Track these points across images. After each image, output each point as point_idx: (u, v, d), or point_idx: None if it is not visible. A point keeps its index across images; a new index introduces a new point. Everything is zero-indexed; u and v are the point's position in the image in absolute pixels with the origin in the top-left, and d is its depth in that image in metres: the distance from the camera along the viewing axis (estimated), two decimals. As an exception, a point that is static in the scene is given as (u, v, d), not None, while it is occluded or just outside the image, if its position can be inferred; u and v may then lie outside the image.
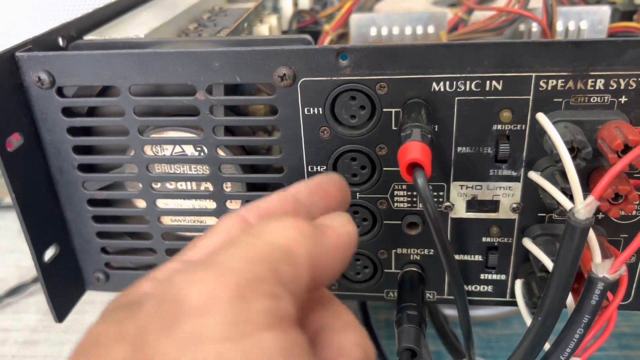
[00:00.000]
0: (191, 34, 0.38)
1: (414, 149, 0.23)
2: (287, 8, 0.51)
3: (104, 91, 0.31)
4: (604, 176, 0.23)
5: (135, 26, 0.36)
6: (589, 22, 0.47)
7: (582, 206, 0.23)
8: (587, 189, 0.28)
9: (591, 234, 0.25)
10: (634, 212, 0.29)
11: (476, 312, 0.52)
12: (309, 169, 0.30)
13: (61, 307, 0.34)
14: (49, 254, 0.33)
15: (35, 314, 0.57)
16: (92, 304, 0.57)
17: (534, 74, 0.26)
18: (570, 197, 0.25)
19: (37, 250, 0.31)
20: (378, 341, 0.46)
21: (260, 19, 0.44)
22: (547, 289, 0.25)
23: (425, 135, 0.24)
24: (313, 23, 0.57)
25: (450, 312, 0.52)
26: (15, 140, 0.30)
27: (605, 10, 0.47)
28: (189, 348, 0.15)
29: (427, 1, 0.57)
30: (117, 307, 0.18)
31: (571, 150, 0.25)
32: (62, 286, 0.34)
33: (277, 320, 0.16)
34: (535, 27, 0.47)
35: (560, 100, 0.27)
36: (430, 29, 0.48)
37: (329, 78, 0.28)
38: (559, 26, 0.47)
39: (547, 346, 0.28)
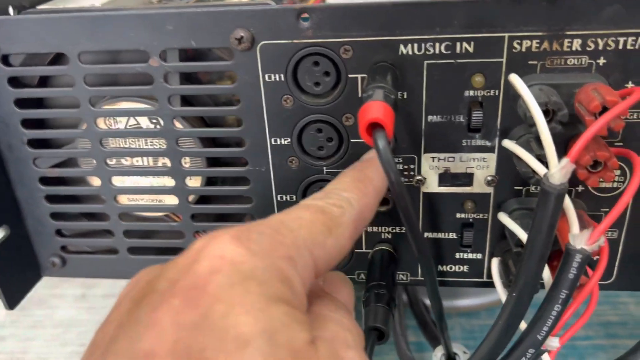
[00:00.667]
0: (156, 5, 0.36)
1: (375, 108, 0.21)
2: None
3: (55, 60, 0.29)
4: (579, 137, 0.22)
5: (93, -2, 0.34)
6: None
7: (557, 170, 0.22)
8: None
9: (568, 203, 0.23)
10: (614, 182, 0.27)
11: (459, 303, 0.51)
12: (272, 142, 0.28)
13: (12, 294, 0.32)
14: (-1, 235, 0.31)
15: (1, 310, 0.55)
16: (62, 299, 0.56)
17: (507, 35, 0.25)
18: (546, 164, 0.23)
19: (-16, 231, 0.29)
20: None
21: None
22: (521, 262, 0.24)
23: (389, 96, 0.22)
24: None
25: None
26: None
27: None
28: None
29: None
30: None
31: (546, 113, 0.23)
32: (14, 271, 0.32)
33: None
34: None
35: (536, 62, 0.25)
36: None
37: (290, 41, 0.26)
38: None
39: (523, 325, 0.26)
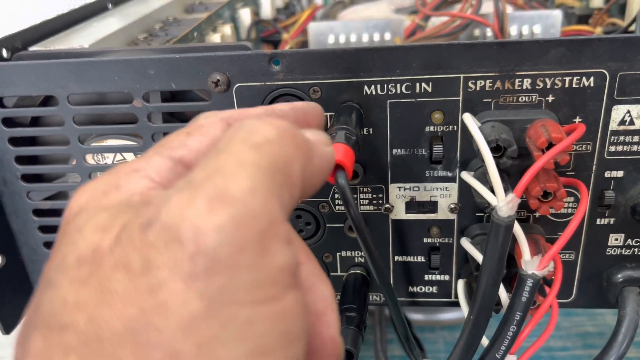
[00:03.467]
0: (141, 44, 0.38)
1: (336, 151, 0.23)
2: (244, 18, 0.52)
3: (47, 101, 0.31)
4: (525, 173, 0.24)
5: (82, 37, 0.36)
6: (542, 26, 0.48)
7: (504, 203, 0.23)
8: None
9: (519, 232, 0.25)
10: (567, 208, 0.29)
11: (442, 316, 0.52)
12: (250, 174, 0.30)
13: (9, 319, 0.34)
14: (-5, 265, 0.33)
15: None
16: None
17: (462, 75, 0.27)
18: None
19: (-19, 261, 0.31)
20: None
21: (213, 27, 0.44)
22: (477, 286, 0.25)
23: (350, 137, 0.24)
24: (276, 33, 0.57)
25: (414, 316, 0.52)
26: (-46, 152, 0.30)
27: (557, 14, 0.48)
28: (220, 308, 0.13)
29: (389, 9, 0.58)
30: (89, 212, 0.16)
31: (497, 149, 0.25)
32: (10, 298, 0.34)
33: (294, 279, 0.15)
34: (489, 31, 0.48)
35: (490, 100, 0.27)
36: (387, 36, 0.49)
37: (263, 83, 0.28)
38: (514, 30, 0.48)
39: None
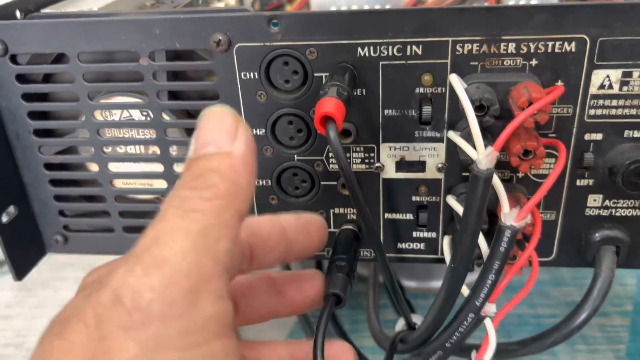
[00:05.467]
0: (148, 9, 0.40)
1: (328, 104, 0.25)
2: (249, -11, 0.53)
3: (58, 60, 0.33)
4: (505, 129, 0.25)
5: (92, 2, 0.38)
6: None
7: (483, 156, 0.25)
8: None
9: (498, 186, 0.27)
10: (544, 170, 0.31)
11: (434, 284, 0.54)
12: (249, 132, 0.32)
13: (20, 267, 0.36)
14: (8, 215, 0.34)
15: (9, 291, 0.59)
16: (65, 281, 0.60)
17: (450, 39, 0.28)
18: (485, 152, 0.27)
19: (-5, 210, 0.33)
20: (347, 336, 0.48)
21: (217, -3, 0.46)
22: (458, 236, 0.27)
23: (342, 93, 0.26)
24: (280, 6, 0.59)
25: (408, 283, 0.54)
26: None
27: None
28: (154, 352, 0.17)
29: (391, -16, 0.59)
30: (85, 286, 0.21)
31: (481, 107, 0.27)
32: (22, 247, 0.36)
33: (224, 327, 0.18)
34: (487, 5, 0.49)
35: (476, 63, 0.29)
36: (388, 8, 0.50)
37: (262, 44, 0.29)
38: (511, 2, 0.49)
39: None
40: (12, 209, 0.35)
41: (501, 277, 0.28)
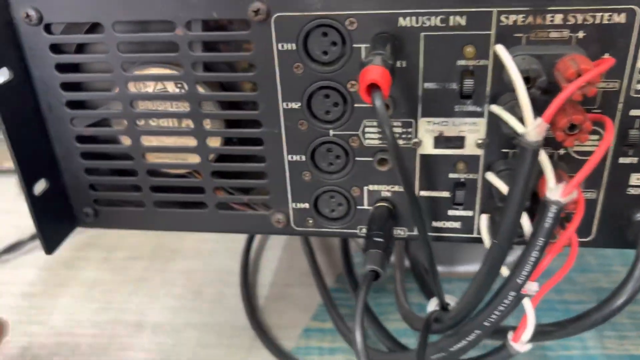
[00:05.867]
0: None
1: (374, 71, 0.24)
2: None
3: (92, 29, 0.32)
4: (553, 100, 0.25)
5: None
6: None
7: (532, 128, 0.24)
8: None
9: (544, 160, 0.26)
10: (588, 147, 0.30)
11: (459, 268, 0.54)
12: (284, 105, 0.31)
13: (51, 240, 0.35)
14: (39, 187, 0.34)
15: (32, 269, 0.59)
16: (87, 261, 0.60)
17: (495, 9, 0.28)
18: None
19: (27, 182, 0.33)
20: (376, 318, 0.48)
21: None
22: (503, 212, 0.27)
23: (386, 61, 0.25)
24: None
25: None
26: (4, 74, 0.31)
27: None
28: None
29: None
30: None
31: (527, 80, 0.26)
32: (52, 220, 0.36)
33: None
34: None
35: (521, 35, 0.28)
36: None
37: (302, 13, 0.29)
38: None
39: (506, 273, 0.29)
40: (43, 181, 0.35)
41: (543, 256, 0.28)
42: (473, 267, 0.53)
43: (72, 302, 0.54)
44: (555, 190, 0.26)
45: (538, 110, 0.28)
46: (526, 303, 0.29)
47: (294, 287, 0.53)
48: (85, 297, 0.54)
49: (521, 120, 0.27)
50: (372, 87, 0.24)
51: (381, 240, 0.30)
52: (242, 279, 0.53)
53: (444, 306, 0.34)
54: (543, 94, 0.27)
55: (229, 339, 0.48)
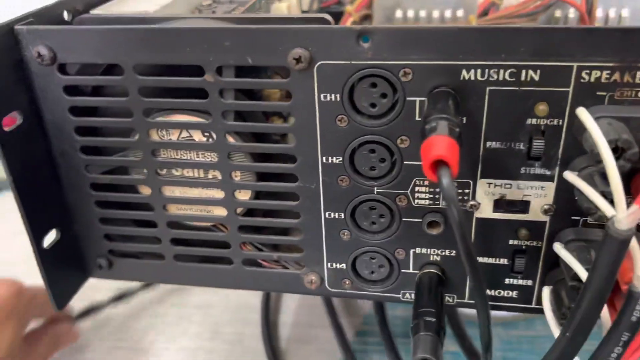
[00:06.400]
0: (205, 10, 0.36)
1: (440, 144, 0.21)
2: (308, -14, 0.49)
3: (110, 69, 0.29)
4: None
5: (145, 1, 0.34)
6: (632, 10, 0.44)
7: (625, 215, 0.21)
8: (627, 192, 0.25)
9: (634, 243, 0.23)
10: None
11: (498, 313, 0.50)
12: (324, 160, 0.28)
13: (61, 294, 0.32)
14: (49, 239, 0.31)
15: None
16: (100, 292, 0.57)
17: (575, 64, 0.24)
18: (611, 202, 0.22)
19: (36, 235, 0.30)
20: (392, 340, 0.44)
21: (278, -4, 0.42)
22: (578, 302, 0.23)
23: (453, 129, 0.22)
24: (336, 4, 0.54)
25: (467, 310, 0.50)
26: (13, 121, 0.28)
27: (649, -3, 0.44)
28: None
29: (457, -16, 0.54)
30: None
31: (615, 150, 0.22)
32: (63, 272, 0.33)
33: None
34: (572, 13, 0.44)
35: (604, 94, 0.24)
36: (459, 13, 0.45)
37: (349, 62, 0.25)
38: (599, 13, 0.44)
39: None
40: (53, 232, 0.31)
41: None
42: (511, 312, 0.49)
43: (82, 337, 0.51)
44: (644, 280, 0.22)
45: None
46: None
47: (318, 328, 0.50)
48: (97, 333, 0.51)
49: (604, 194, 0.23)
50: (439, 163, 0.20)
51: (433, 319, 0.26)
52: (263, 320, 0.50)
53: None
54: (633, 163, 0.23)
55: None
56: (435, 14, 0.46)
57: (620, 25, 0.38)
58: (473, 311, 0.48)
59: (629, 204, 0.21)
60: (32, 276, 0.59)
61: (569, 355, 0.24)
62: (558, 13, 0.45)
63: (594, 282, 0.22)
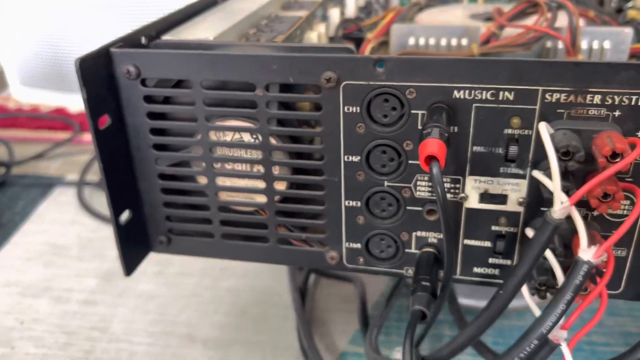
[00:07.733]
0: (251, 38, 0.44)
1: (432, 145, 0.28)
2: (334, 17, 0.57)
3: (178, 83, 0.37)
4: (587, 182, 0.28)
5: (203, 29, 0.42)
6: (613, 42, 0.51)
7: (559, 207, 0.28)
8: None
9: (579, 222, 0.30)
10: (623, 210, 0.33)
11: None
12: (345, 158, 0.36)
13: (130, 263, 0.40)
14: (124, 217, 0.39)
15: (93, 279, 0.64)
16: (144, 275, 0.65)
17: (540, 88, 0.31)
18: (567, 193, 0.29)
19: (116, 213, 0.38)
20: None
21: (310, 26, 0.50)
22: (512, 272, 0.30)
23: (443, 134, 0.29)
24: (357, 30, 0.62)
25: (466, 301, 0.57)
26: (105, 121, 0.36)
27: (628, 32, 0.51)
28: None
29: (464, 14, 0.62)
30: None
31: (567, 153, 0.30)
32: (132, 245, 0.40)
33: None
34: (561, 44, 0.51)
35: (563, 111, 0.31)
36: (464, 42, 0.53)
37: (367, 82, 0.33)
38: (584, 44, 0.51)
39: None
40: (127, 212, 0.39)
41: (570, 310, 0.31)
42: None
43: (129, 312, 0.59)
44: (587, 252, 0.29)
45: (573, 176, 0.32)
46: (564, 349, 0.32)
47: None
48: (141, 308, 0.59)
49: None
50: (430, 158, 0.28)
51: (428, 284, 0.33)
52: (297, 303, 0.56)
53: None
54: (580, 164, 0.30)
55: (273, 358, 0.52)
56: (443, 41, 0.54)
57: (596, 57, 0.45)
58: (472, 302, 0.55)
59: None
60: (84, 260, 0.67)
61: (506, 300, 0.31)
62: (549, 44, 0.52)
63: (524, 257, 0.29)
